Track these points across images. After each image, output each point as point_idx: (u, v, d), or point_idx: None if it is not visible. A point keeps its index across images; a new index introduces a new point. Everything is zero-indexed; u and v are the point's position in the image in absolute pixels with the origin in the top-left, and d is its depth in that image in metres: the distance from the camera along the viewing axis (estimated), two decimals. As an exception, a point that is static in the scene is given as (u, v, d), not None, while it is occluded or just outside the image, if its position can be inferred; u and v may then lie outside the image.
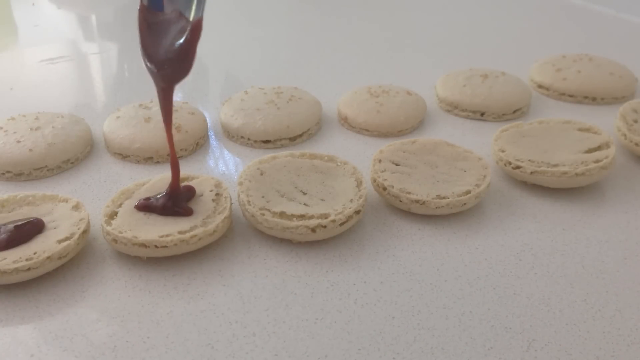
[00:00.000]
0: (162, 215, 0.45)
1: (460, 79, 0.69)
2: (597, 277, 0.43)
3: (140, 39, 0.42)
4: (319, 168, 0.51)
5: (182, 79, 0.43)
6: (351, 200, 0.47)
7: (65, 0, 1.13)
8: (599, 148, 0.54)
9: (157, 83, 0.43)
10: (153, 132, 0.58)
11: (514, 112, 0.66)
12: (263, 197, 0.47)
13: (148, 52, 0.42)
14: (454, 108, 0.67)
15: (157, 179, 0.49)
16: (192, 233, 0.43)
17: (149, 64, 0.42)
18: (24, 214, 0.45)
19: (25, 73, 0.81)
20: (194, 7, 0.42)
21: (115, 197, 0.47)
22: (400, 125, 0.62)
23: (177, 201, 0.46)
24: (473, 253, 0.46)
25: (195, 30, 0.41)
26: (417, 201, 0.48)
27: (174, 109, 0.61)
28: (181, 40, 0.41)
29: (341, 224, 0.45)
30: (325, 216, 0.45)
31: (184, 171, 0.54)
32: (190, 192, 0.47)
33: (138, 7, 0.42)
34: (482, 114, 0.66)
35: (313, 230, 0.44)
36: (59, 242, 0.42)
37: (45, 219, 0.45)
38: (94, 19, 1.07)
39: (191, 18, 0.41)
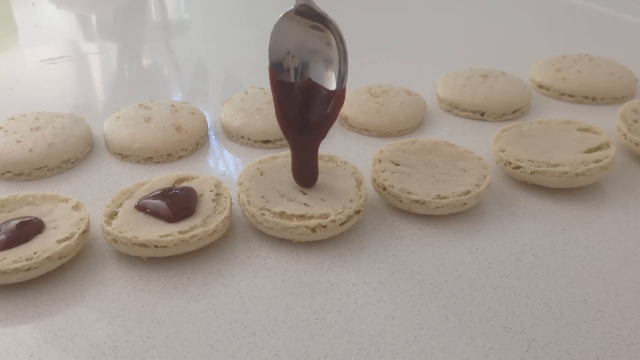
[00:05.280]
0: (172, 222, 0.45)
1: (460, 79, 0.69)
2: (597, 277, 0.43)
3: (277, 103, 0.45)
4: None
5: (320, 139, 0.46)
6: (351, 200, 0.47)
7: (65, 0, 1.13)
8: (599, 148, 0.54)
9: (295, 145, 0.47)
10: (153, 132, 0.58)
11: (514, 112, 0.66)
12: (263, 197, 0.47)
13: (288, 116, 0.45)
14: (454, 108, 0.67)
15: (157, 179, 0.49)
16: (192, 233, 0.43)
17: (287, 126, 0.46)
18: (24, 214, 0.45)
19: (25, 73, 0.81)
20: (335, 78, 0.45)
21: (115, 197, 0.47)
22: (400, 125, 0.62)
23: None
24: (473, 253, 0.46)
25: (340, 98, 0.45)
26: (417, 201, 0.48)
27: (174, 109, 0.61)
28: (328, 107, 0.45)
29: (341, 224, 0.45)
30: (325, 216, 0.45)
31: (184, 171, 0.55)
32: (192, 194, 0.47)
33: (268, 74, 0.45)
34: (482, 114, 0.66)
35: (313, 230, 0.44)
36: (59, 242, 0.42)
37: (45, 219, 0.45)
38: (94, 19, 1.07)
39: (333, 88, 0.45)
